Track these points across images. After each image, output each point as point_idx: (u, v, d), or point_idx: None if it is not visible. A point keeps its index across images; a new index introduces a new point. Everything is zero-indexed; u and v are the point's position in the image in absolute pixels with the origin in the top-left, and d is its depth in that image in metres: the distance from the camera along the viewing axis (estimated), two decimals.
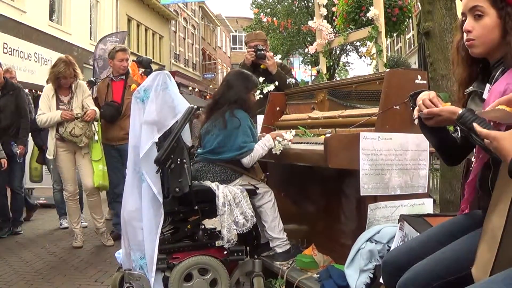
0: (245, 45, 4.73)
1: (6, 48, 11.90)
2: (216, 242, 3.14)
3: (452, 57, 1.87)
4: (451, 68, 1.93)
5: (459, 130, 1.79)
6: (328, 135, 2.74)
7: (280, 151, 3.20)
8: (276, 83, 4.25)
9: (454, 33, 3.70)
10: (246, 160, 3.23)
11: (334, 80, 5.05)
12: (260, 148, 3.24)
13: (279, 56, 4.73)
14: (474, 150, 1.80)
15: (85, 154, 4.80)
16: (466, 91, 1.78)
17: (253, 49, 4.37)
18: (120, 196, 4.46)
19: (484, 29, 1.65)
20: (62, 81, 4.71)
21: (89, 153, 4.82)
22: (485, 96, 1.67)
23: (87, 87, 5.07)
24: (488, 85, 1.68)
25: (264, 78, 4.22)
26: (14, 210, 5.60)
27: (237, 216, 3.06)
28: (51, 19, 14.95)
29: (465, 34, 1.70)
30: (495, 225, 1.48)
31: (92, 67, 12.23)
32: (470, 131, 1.53)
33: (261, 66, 4.39)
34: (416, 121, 1.83)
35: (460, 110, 1.59)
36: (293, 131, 3.28)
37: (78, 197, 5.00)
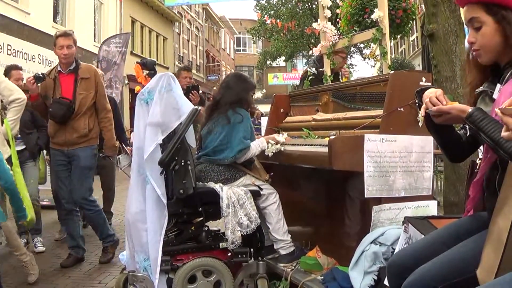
0: None
1: (10, 49, 11.92)
2: (220, 244, 3.15)
3: (464, 63, 1.90)
4: (465, 73, 1.96)
5: (468, 128, 1.80)
6: (332, 137, 2.74)
7: (272, 153, 3.35)
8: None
9: (459, 36, 3.71)
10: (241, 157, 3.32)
11: (338, 82, 5.05)
12: (254, 148, 3.34)
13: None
14: (481, 149, 1.80)
15: None
16: (476, 90, 1.80)
17: None
18: (73, 211, 4.29)
19: (484, 38, 1.68)
20: None
21: None
22: (495, 96, 1.68)
23: (33, 83, 4.13)
24: (498, 85, 1.69)
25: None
26: None
27: (241, 217, 3.07)
28: (55, 20, 14.97)
29: (467, 45, 1.76)
30: (501, 227, 1.48)
31: None
32: (479, 130, 1.53)
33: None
34: (420, 121, 1.83)
35: (469, 109, 1.59)
36: (285, 134, 3.44)
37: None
